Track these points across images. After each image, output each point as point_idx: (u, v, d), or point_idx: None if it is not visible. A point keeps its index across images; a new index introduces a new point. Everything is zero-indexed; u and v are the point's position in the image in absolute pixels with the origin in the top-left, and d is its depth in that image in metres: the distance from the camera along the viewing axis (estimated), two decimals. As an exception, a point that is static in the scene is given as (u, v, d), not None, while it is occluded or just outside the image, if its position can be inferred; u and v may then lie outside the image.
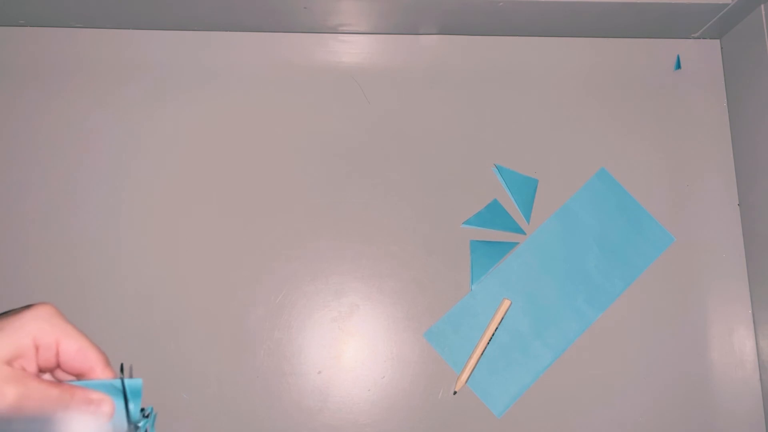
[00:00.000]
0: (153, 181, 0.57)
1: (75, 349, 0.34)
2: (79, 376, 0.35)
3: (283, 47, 0.60)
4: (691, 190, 0.59)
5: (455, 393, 0.54)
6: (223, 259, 0.55)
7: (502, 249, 0.57)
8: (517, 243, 0.57)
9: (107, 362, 0.35)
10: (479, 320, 0.55)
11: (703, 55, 0.62)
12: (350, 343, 0.55)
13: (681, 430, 0.55)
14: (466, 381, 0.54)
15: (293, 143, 0.58)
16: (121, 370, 0.36)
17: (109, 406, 0.34)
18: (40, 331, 0.33)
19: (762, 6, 0.55)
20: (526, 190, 0.58)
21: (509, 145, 0.59)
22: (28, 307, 0.34)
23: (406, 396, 0.54)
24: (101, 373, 0.35)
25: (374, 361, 0.55)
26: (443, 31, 0.61)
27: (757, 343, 0.56)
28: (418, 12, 0.57)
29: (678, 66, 0.62)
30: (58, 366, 0.34)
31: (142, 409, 0.37)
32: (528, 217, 0.58)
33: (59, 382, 0.34)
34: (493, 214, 0.57)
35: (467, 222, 0.57)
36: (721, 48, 0.62)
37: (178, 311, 0.54)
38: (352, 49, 0.60)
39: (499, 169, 0.58)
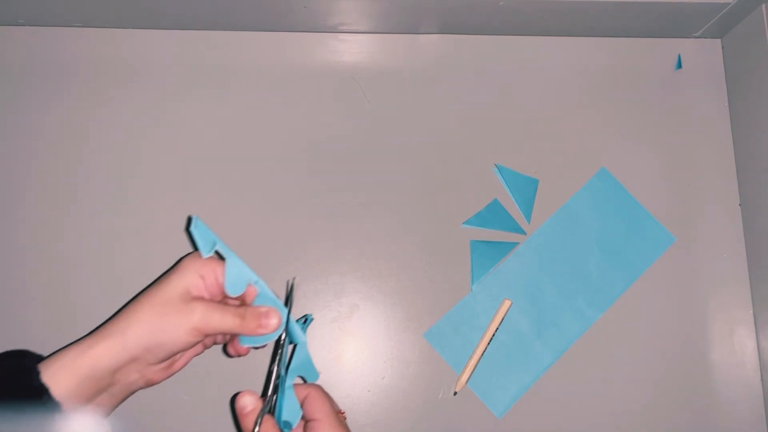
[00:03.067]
0: (153, 181, 0.57)
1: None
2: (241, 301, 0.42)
3: (283, 47, 0.60)
4: (691, 190, 0.59)
5: (455, 393, 0.54)
6: (222, 259, 0.55)
7: (502, 249, 0.57)
8: (517, 243, 0.57)
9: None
10: (479, 320, 0.55)
11: (704, 54, 0.62)
12: (350, 344, 0.55)
13: (682, 430, 0.55)
14: (467, 381, 0.54)
15: (293, 143, 0.58)
16: (287, 299, 0.44)
17: (277, 318, 0.41)
18: (201, 266, 0.40)
19: (763, 5, 0.55)
20: (526, 190, 0.58)
21: (509, 145, 0.59)
22: (181, 259, 0.41)
23: (406, 396, 0.54)
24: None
25: (374, 361, 0.55)
26: (443, 31, 0.61)
27: (758, 344, 0.56)
28: (418, 11, 0.56)
29: (679, 65, 0.61)
30: (225, 296, 0.41)
31: (304, 317, 0.46)
32: (528, 217, 0.58)
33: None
34: (493, 214, 0.57)
35: (467, 222, 0.57)
36: (722, 47, 0.62)
37: (178, 311, 0.54)
38: (352, 49, 0.60)
39: (500, 169, 0.58)
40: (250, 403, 0.39)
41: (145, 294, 0.39)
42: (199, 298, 0.39)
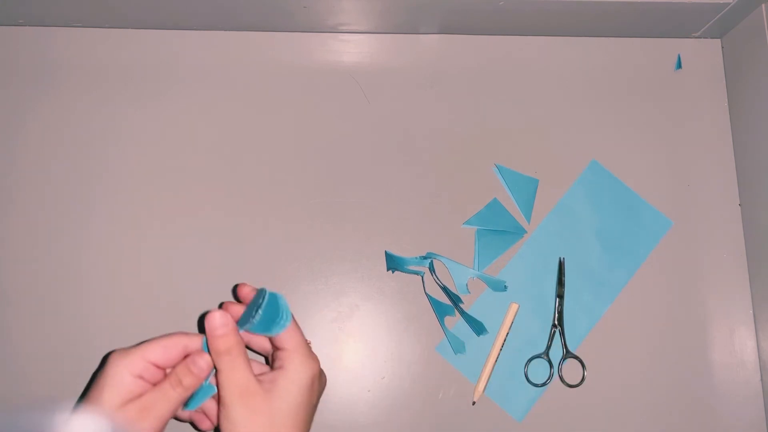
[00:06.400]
0: (152, 181, 0.57)
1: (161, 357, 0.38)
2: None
3: (283, 47, 0.60)
4: (692, 190, 0.59)
5: (474, 403, 0.53)
6: (222, 260, 0.55)
7: (507, 239, 0.57)
8: (518, 243, 0.57)
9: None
10: (488, 327, 0.55)
11: (704, 54, 0.62)
12: (350, 344, 0.55)
13: (682, 430, 0.55)
14: (484, 390, 0.53)
15: (293, 143, 0.58)
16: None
17: (202, 359, 0.38)
18: (131, 363, 0.37)
19: (763, 5, 0.55)
20: (526, 190, 0.58)
21: (509, 145, 0.59)
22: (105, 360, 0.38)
23: (406, 396, 0.54)
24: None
25: (374, 361, 0.54)
26: (444, 31, 0.61)
27: (758, 344, 0.56)
28: (418, 11, 0.56)
29: (679, 65, 0.61)
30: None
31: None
32: (529, 218, 0.58)
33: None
34: (493, 214, 0.57)
35: (467, 222, 0.57)
36: (722, 47, 0.62)
37: (178, 312, 0.54)
38: (352, 49, 0.60)
39: (500, 169, 0.58)
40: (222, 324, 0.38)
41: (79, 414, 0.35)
42: (137, 398, 0.35)
